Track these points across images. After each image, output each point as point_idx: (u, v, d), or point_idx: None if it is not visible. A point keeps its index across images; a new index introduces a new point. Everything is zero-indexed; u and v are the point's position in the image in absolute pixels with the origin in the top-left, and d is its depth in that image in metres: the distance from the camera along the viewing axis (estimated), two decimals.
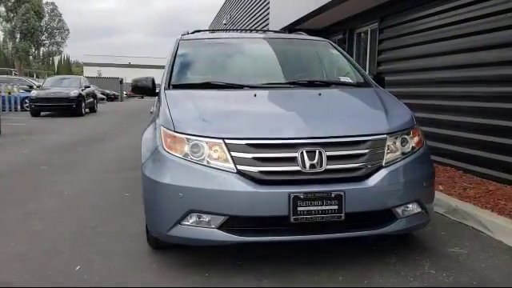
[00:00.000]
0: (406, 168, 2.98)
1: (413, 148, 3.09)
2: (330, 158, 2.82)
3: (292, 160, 2.80)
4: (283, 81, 3.89)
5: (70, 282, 2.90)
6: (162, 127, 3.08)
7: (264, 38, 4.62)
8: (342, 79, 3.99)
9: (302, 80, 3.88)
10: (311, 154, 2.80)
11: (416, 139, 3.15)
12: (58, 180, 5.97)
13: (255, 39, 4.53)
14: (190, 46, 4.32)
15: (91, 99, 20.49)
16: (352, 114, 3.25)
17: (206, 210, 2.79)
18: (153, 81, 4.01)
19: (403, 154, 3.03)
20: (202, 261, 3.16)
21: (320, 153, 2.81)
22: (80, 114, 18.09)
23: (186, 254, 3.27)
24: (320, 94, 3.49)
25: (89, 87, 20.06)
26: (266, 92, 3.55)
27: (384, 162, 2.93)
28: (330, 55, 4.35)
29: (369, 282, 2.83)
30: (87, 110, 19.54)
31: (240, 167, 2.77)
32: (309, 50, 4.43)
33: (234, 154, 2.79)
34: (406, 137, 3.08)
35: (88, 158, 7.84)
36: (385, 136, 2.98)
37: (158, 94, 3.93)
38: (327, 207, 2.74)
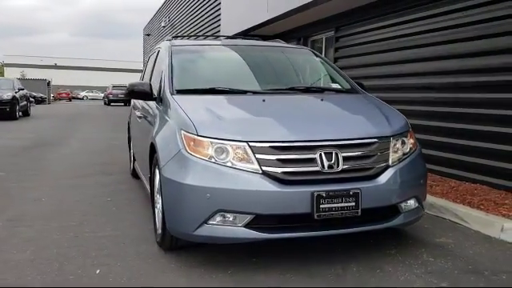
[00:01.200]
0: (407, 167, 3.30)
1: (410, 149, 3.42)
2: (345, 158, 3.07)
3: (311, 161, 3.02)
4: (282, 87, 4.11)
5: (97, 285, 2.92)
6: (182, 131, 3.17)
7: (253, 46, 4.80)
8: (333, 86, 4.26)
9: (299, 86, 4.12)
10: (328, 156, 3.03)
11: (412, 141, 3.48)
12: (28, 186, 5.78)
13: (245, 46, 4.70)
14: (183, 52, 4.41)
15: (25, 102, 19.54)
16: (357, 118, 3.53)
17: (233, 209, 2.94)
18: (150, 86, 4.07)
19: (404, 154, 3.34)
20: (217, 259, 3.27)
21: (336, 154, 3.05)
22: (14, 118, 17.20)
23: (198, 254, 3.37)
24: (322, 100, 3.75)
25: (22, 89, 19.12)
26: (272, 97, 3.74)
27: (390, 161, 3.22)
28: (317, 63, 4.62)
29: (380, 271, 3.10)
30: (20, 113, 18.60)
31: (265, 168, 2.94)
32: (297, 58, 4.68)
33: (258, 156, 2.96)
34: (405, 139, 3.41)
35: (45, 164, 7.59)
36: (389, 138, 3.28)
37: (155, 100, 4.01)
38: (346, 204, 2.99)
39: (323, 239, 3.45)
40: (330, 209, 2.96)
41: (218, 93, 3.80)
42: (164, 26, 26.88)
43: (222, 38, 5.85)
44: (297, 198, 2.93)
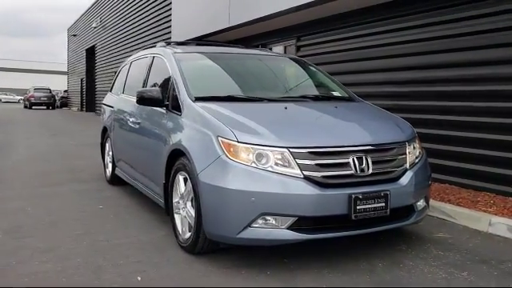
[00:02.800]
0: (420, 170, 3.63)
1: (419, 153, 3.76)
2: (373, 162, 3.33)
3: (345, 165, 3.25)
4: (294, 95, 4.30)
5: None
6: (219, 138, 3.26)
7: (253, 54, 4.93)
8: (335, 94, 4.52)
9: (309, 94, 4.34)
10: (359, 160, 3.28)
11: (419, 146, 3.83)
12: (2, 196, 5.49)
13: (246, 55, 4.83)
14: (189, 59, 4.47)
15: None
16: (374, 124, 3.80)
17: (276, 212, 3.09)
18: (161, 92, 4.09)
19: (416, 158, 3.67)
20: (249, 262, 3.39)
21: (366, 158, 3.30)
22: None
23: (228, 257, 3.47)
24: (336, 107, 4.00)
25: None
26: (290, 105, 3.91)
27: (408, 165, 3.53)
28: (314, 72, 4.87)
29: (403, 265, 3.39)
30: None
31: (306, 173, 3.13)
32: (296, 67, 4.90)
33: (298, 161, 3.14)
34: (415, 144, 3.74)
35: (5, 172, 7.18)
36: (405, 143, 3.60)
37: (166, 106, 4.04)
38: (378, 204, 3.25)
39: (335, 240, 3.66)
40: (365, 209, 3.20)
41: (235, 100, 3.92)
42: (95, 27, 26.01)
43: (216, 44, 5.90)
44: (336, 201, 3.14)
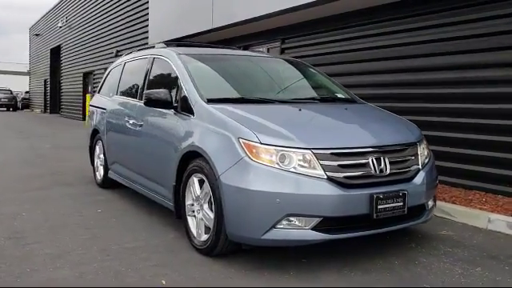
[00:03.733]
0: (430, 170, 3.74)
1: (427, 153, 3.87)
2: (390, 162, 3.41)
3: (365, 166, 3.31)
4: (302, 96, 4.35)
5: None
6: (240, 140, 3.26)
7: (256, 56, 4.96)
8: (339, 95, 4.59)
9: (317, 96, 4.40)
10: (378, 160, 3.35)
11: (427, 146, 3.94)
12: None
13: (249, 57, 4.84)
14: (195, 61, 4.44)
15: None
16: (386, 125, 3.89)
17: (301, 212, 3.12)
18: (170, 94, 4.06)
19: (425, 158, 3.78)
20: (270, 263, 3.41)
21: (384, 159, 3.38)
22: None
23: (247, 259, 3.48)
24: (346, 109, 4.07)
25: None
26: (304, 107, 3.94)
27: (420, 165, 3.64)
28: (315, 74, 4.94)
29: (418, 262, 3.49)
30: None
31: (329, 174, 3.17)
32: (299, 69, 4.95)
33: (321, 162, 3.18)
34: (423, 144, 3.85)
35: None
36: (416, 144, 3.70)
37: (175, 108, 4.01)
38: (396, 204, 3.33)
39: (348, 240, 3.72)
40: (385, 209, 3.27)
41: (247, 102, 3.92)
42: (61, 27, 25.34)
43: (215, 46, 5.88)
44: (358, 201, 3.20)
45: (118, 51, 17.69)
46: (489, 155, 5.49)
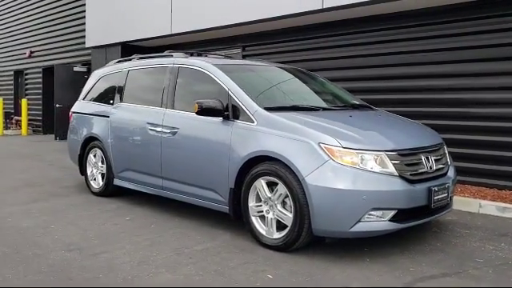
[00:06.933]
0: (453, 167, 4.46)
1: (448, 153, 4.58)
2: (434, 160, 4.05)
3: (420, 163, 3.90)
4: (335, 103, 4.86)
5: None
6: (321, 144, 3.67)
7: (279, 68, 5.34)
8: (357, 102, 5.14)
9: (347, 103, 4.91)
10: (427, 158, 3.97)
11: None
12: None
13: (271, 67, 5.23)
14: (233, 71, 4.69)
15: None
16: (417, 128, 4.53)
17: (382, 206, 3.62)
18: (222, 103, 4.30)
19: (449, 156, 4.49)
20: (342, 254, 3.86)
21: (430, 157, 4.01)
22: None
23: (317, 252, 3.89)
24: (380, 115, 4.64)
25: None
26: (353, 113, 4.47)
27: (449, 162, 4.33)
28: (324, 83, 5.45)
29: (454, 244, 4.17)
30: None
31: (399, 172, 3.71)
32: (312, 77, 5.43)
33: (393, 162, 3.71)
34: (444, 145, 4.56)
35: None
36: (443, 144, 4.40)
37: (227, 117, 4.28)
38: (444, 195, 3.98)
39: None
40: (438, 199, 3.90)
41: (300, 110, 4.32)
42: None
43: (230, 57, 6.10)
44: (421, 194, 3.78)
45: (31, 52, 16.62)
46: (472, 152, 6.27)
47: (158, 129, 4.98)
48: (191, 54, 5.53)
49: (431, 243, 4.16)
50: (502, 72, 6.03)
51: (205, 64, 4.80)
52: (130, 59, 6.09)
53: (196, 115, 4.47)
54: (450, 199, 4.33)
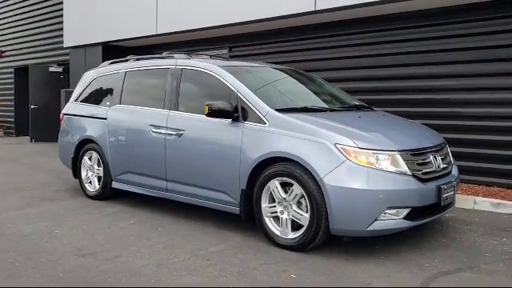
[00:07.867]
0: (455, 165, 4.61)
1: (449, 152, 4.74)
2: (441, 159, 4.19)
3: (429, 163, 4.02)
4: (340, 105, 4.94)
5: None
6: (337, 145, 3.74)
7: (281, 68, 5.37)
8: (357, 103, 5.24)
9: (351, 104, 5.00)
10: (435, 158, 4.10)
11: None
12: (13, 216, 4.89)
13: (272, 69, 5.26)
14: (240, 73, 4.71)
15: None
16: (422, 129, 4.66)
17: (397, 205, 3.72)
18: (231, 105, 4.31)
19: (451, 155, 4.65)
20: (355, 252, 3.94)
21: (437, 156, 4.14)
22: None
23: (332, 251, 3.96)
24: (384, 116, 4.75)
25: None
26: (360, 114, 4.55)
27: (452, 161, 4.48)
28: (322, 83, 5.53)
29: (459, 239, 4.32)
30: None
31: (412, 171, 3.82)
32: (311, 78, 5.49)
33: (406, 161, 3.81)
34: (446, 145, 4.71)
35: None
36: (445, 144, 4.54)
37: (236, 118, 4.30)
38: (451, 193, 4.12)
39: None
40: (447, 197, 4.04)
41: (310, 111, 4.38)
42: None
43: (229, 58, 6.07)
44: (432, 192, 3.91)
45: (2, 51, 16.11)
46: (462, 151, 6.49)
47: (162, 131, 4.94)
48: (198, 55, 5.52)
49: (437, 239, 4.30)
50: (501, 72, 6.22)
51: (210, 65, 4.80)
52: (126, 60, 6.02)
53: (202, 117, 4.49)
54: (454, 198, 4.48)
